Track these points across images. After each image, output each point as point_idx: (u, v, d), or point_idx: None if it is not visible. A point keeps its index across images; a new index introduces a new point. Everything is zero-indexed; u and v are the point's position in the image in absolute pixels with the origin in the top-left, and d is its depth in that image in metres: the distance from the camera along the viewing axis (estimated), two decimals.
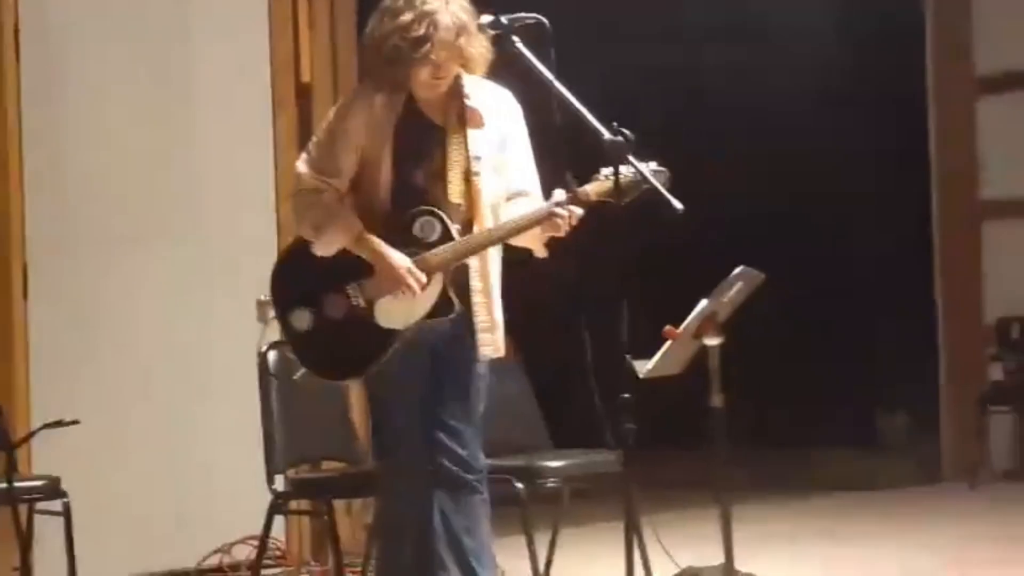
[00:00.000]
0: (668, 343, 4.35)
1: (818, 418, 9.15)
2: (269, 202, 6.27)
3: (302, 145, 6.21)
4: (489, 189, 4.04)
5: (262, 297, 6.21)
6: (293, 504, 5.31)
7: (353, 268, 3.99)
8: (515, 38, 3.95)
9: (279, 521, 5.52)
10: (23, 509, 5.07)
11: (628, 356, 3.92)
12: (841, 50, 9.16)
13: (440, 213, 3.99)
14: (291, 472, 5.18)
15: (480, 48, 4.01)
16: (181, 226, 6.13)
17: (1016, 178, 8.19)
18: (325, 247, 4.00)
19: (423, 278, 3.95)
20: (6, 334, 5.75)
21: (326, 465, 5.59)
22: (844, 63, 9.15)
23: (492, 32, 3.99)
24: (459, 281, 4.02)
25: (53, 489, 5.10)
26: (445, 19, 3.92)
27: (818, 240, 9.64)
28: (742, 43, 8.87)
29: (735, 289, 4.42)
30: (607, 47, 8.65)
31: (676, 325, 4.32)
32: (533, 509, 4.95)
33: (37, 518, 5.18)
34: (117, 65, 6.03)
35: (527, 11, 3.98)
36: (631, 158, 3.87)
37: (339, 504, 5.69)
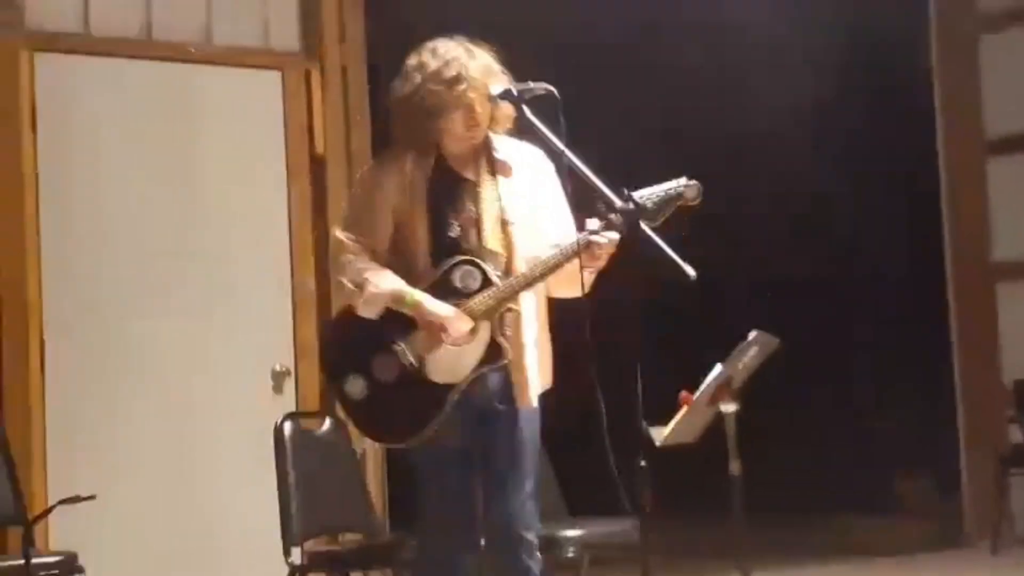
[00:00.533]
0: (683, 409, 4.33)
1: (837, 483, 9.08)
2: (285, 273, 6.30)
3: (316, 214, 6.29)
4: (524, 238, 4.05)
5: (277, 367, 6.22)
6: None
7: (399, 326, 3.99)
8: (526, 108, 3.99)
9: None
10: None
11: (644, 422, 3.89)
12: (856, 112, 9.19)
13: (478, 261, 4.00)
14: (308, 544, 5.16)
15: (503, 105, 4.05)
16: (197, 299, 6.14)
17: None
18: (368, 305, 4.00)
19: (469, 322, 3.95)
20: (23, 408, 5.76)
21: (343, 537, 5.56)
22: (862, 126, 9.17)
23: (503, 102, 4.03)
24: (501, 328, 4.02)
25: (70, 564, 5.09)
26: (472, 62, 4.02)
27: (836, 302, 9.60)
28: (757, 106, 8.89)
29: (750, 355, 4.41)
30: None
31: (691, 385, 4.30)
32: None
33: None
34: (132, 142, 6.08)
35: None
36: (643, 225, 3.87)
37: None
